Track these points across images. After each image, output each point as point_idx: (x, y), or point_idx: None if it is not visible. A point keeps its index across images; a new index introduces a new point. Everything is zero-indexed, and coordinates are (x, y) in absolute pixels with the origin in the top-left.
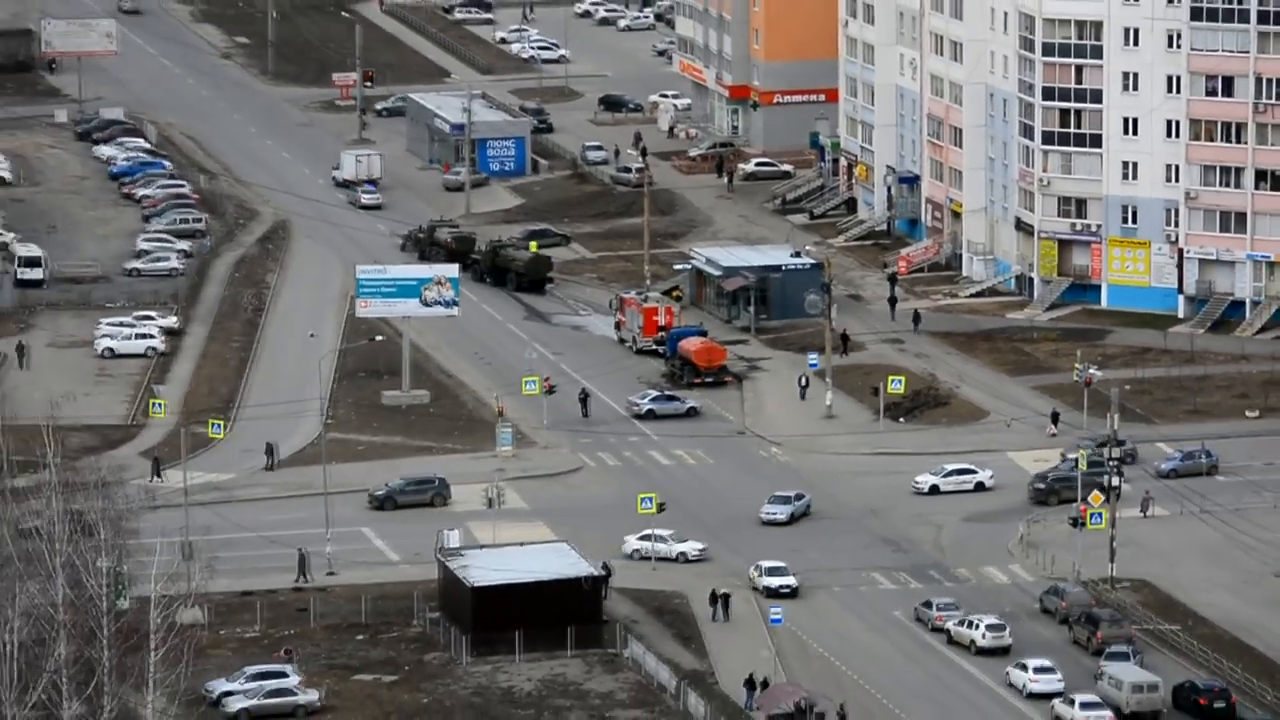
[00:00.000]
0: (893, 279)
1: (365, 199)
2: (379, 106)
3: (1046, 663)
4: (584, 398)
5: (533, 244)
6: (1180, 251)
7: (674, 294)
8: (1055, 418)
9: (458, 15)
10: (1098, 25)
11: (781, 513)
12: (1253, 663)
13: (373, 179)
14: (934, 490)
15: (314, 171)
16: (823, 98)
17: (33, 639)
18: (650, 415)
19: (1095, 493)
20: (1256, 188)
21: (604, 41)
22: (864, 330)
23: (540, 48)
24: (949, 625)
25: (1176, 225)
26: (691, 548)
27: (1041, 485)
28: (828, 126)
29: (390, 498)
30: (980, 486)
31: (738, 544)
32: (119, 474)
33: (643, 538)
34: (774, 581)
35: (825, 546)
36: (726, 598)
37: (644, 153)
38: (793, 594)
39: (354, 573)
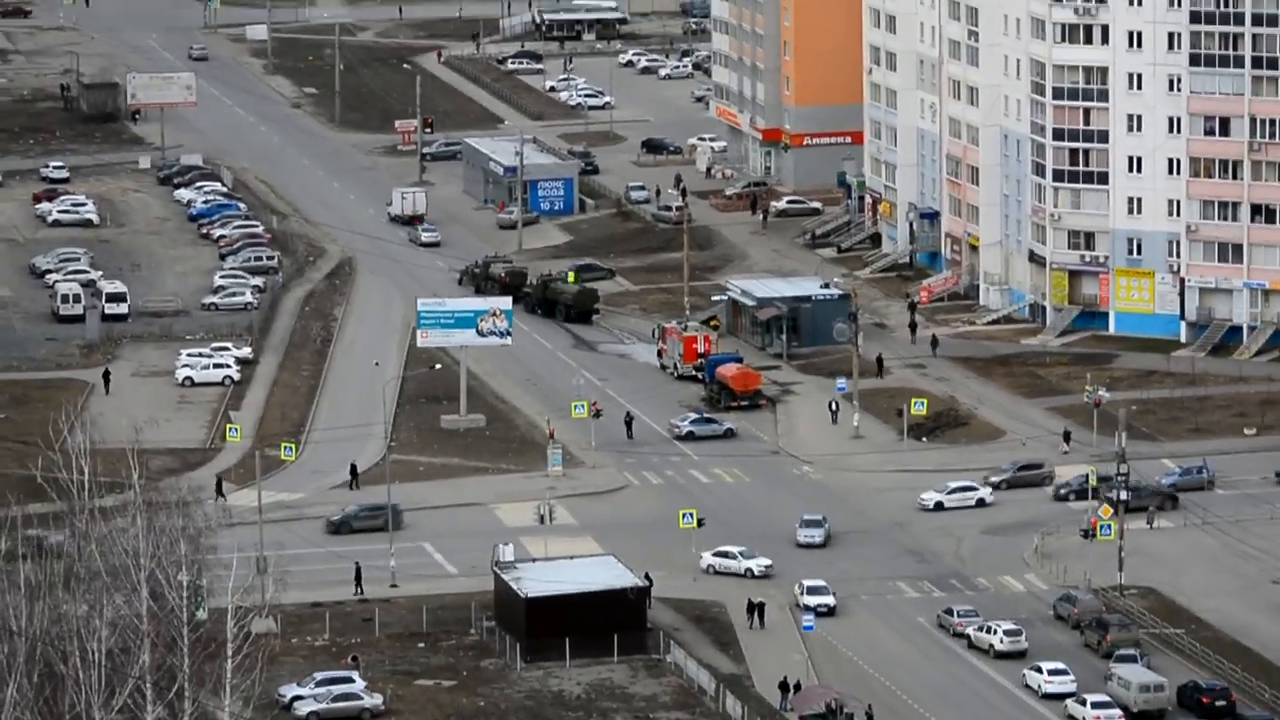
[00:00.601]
0: (912, 306)
1: (425, 236)
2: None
3: (1060, 665)
4: (629, 420)
5: (570, 274)
6: (1182, 280)
7: (712, 323)
8: (1067, 436)
9: (510, 66)
10: (1104, 71)
11: (818, 535)
12: (1252, 664)
13: (418, 215)
14: (939, 506)
15: (378, 212)
16: (849, 140)
17: (119, 647)
18: (690, 437)
19: (1105, 505)
20: (1252, 221)
21: (645, 89)
22: (888, 355)
23: (586, 95)
24: (969, 631)
25: (1178, 256)
26: (758, 564)
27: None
28: (854, 166)
29: (346, 523)
30: (981, 503)
31: (774, 555)
32: (198, 494)
33: (717, 554)
34: (813, 600)
35: (854, 558)
36: (762, 606)
37: (684, 192)
38: (830, 613)
39: (415, 585)
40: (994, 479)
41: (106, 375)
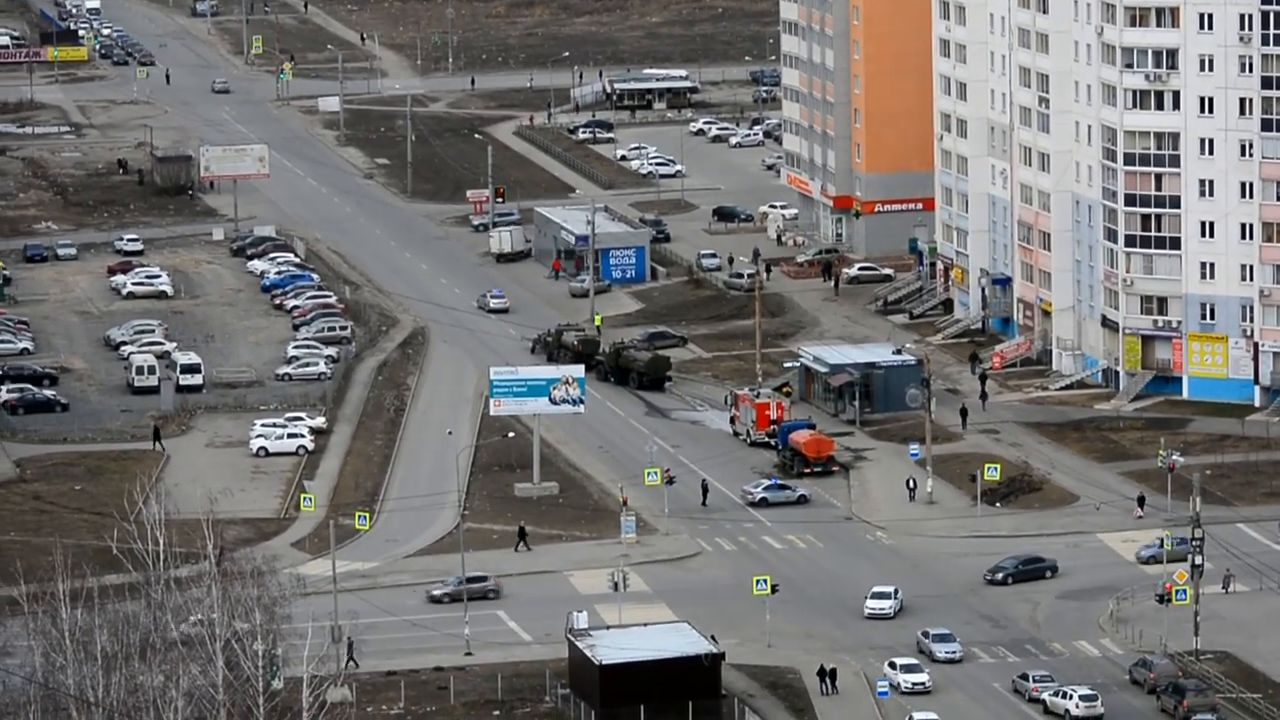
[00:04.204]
0: (973, 358)
1: (493, 303)
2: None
3: None
4: (705, 486)
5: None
6: (1255, 345)
7: (784, 390)
8: (1141, 501)
9: (581, 135)
10: (1175, 136)
11: (889, 606)
12: None
13: (503, 252)
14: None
15: (450, 281)
16: (920, 206)
17: (194, 717)
18: (763, 503)
19: (1180, 570)
20: None
21: (717, 157)
22: (959, 422)
23: (658, 164)
24: (1045, 696)
25: (1251, 321)
26: (908, 679)
27: None
28: (925, 233)
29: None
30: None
31: (847, 622)
32: (272, 564)
33: (892, 664)
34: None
35: (928, 623)
36: (834, 672)
37: (768, 267)
38: (926, 693)
39: (489, 653)
40: (436, 591)
41: (157, 432)
